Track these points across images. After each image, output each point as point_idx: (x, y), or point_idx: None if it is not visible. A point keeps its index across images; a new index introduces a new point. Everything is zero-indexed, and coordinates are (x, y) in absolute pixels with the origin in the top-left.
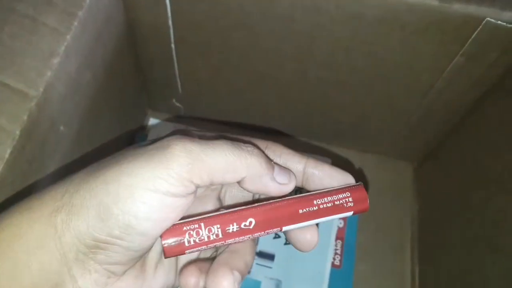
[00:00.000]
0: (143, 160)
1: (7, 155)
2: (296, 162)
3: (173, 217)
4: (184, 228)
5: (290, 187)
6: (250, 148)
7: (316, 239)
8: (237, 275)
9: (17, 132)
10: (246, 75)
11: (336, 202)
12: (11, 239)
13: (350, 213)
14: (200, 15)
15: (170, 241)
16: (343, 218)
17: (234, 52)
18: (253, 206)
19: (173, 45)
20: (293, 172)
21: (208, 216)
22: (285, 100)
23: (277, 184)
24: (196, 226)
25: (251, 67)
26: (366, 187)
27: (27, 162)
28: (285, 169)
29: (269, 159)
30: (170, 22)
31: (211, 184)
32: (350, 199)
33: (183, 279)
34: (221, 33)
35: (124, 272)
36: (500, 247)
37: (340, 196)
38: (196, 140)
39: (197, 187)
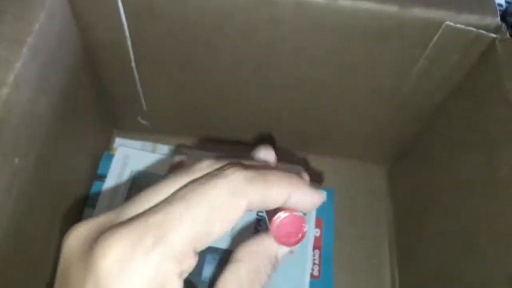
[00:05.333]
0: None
1: None
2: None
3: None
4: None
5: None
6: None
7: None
8: None
9: None
10: (209, 89)
11: None
12: None
13: None
14: (158, 32)
15: None
16: (320, 227)
17: (196, 68)
18: None
19: (133, 64)
20: None
21: None
22: (251, 112)
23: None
24: None
25: (214, 81)
26: (340, 192)
27: None
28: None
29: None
30: (128, 41)
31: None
32: None
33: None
34: (181, 49)
35: None
36: (475, 247)
37: None
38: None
39: None
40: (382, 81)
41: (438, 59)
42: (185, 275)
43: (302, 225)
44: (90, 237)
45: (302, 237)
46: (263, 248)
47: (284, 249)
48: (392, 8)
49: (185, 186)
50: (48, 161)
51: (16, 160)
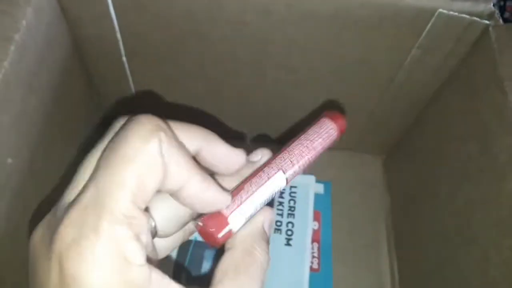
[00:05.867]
0: None
1: None
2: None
3: None
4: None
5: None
6: None
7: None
8: None
9: None
10: (202, 82)
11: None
12: None
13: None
14: (148, 25)
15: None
16: (318, 220)
17: (188, 61)
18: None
19: (124, 59)
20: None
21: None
22: (244, 104)
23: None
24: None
25: (207, 74)
26: (337, 184)
27: None
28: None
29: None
30: (118, 35)
31: None
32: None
33: None
34: (172, 42)
35: None
36: (471, 237)
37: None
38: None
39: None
40: (375, 71)
41: (432, 47)
42: (144, 237)
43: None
44: (47, 235)
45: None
46: (251, 229)
47: (266, 217)
48: None
49: (105, 148)
50: (42, 160)
51: (9, 161)
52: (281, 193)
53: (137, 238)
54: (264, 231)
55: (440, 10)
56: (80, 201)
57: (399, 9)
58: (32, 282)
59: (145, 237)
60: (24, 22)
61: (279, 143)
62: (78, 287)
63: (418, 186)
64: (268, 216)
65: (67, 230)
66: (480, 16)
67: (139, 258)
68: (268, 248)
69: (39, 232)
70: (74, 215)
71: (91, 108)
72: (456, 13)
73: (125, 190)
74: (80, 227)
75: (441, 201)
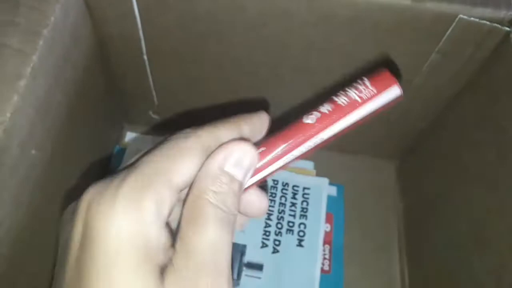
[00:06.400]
0: None
1: None
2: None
3: None
4: None
5: None
6: None
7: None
8: None
9: None
10: (220, 83)
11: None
12: None
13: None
14: (170, 25)
15: None
16: (330, 222)
17: (207, 61)
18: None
19: (145, 57)
20: None
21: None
22: (262, 105)
23: None
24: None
25: (225, 74)
26: (350, 187)
27: None
28: None
29: None
30: (140, 33)
31: None
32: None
33: None
34: (192, 42)
35: None
36: (486, 243)
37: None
38: None
39: None
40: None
41: (451, 53)
42: (165, 207)
43: None
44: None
45: None
46: (204, 170)
47: (227, 154)
48: (405, 1)
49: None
50: (63, 153)
51: (33, 152)
52: (294, 194)
53: (157, 202)
54: (222, 172)
55: (461, 15)
56: (120, 173)
57: (419, 13)
58: (59, 255)
59: (167, 208)
60: (52, 18)
61: None
62: (97, 236)
63: (432, 191)
64: (231, 153)
65: (92, 189)
66: (501, 22)
67: (156, 218)
68: (232, 192)
69: (68, 211)
70: (100, 182)
71: (111, 105)
72: (477, 19)
73: (157, 165)
74: (104, 187)
75: (456, 207)
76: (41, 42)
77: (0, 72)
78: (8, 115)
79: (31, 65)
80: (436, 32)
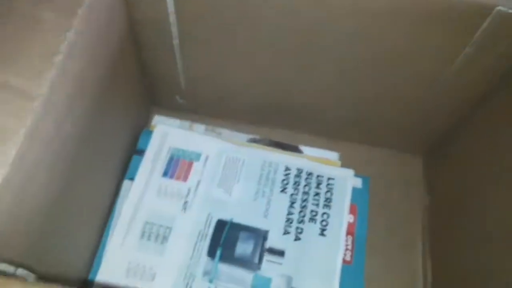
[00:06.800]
0: None
1: (12, 156)
2: None
3: None
4: None
5: None
6: None
7: None
8: None
9: (22, 133)
10: (249, 69)
11: None
12: None
13: None
14: (202, 10)
15: None
16: (354, 213)
17: (237, 47)
18: None
19: (176, 41)
20: None
21: None
22: (290, 94)
23: None
24: None
25: (254, 62)
26: (375, 180)
27: (33, 163)
28: None
29: None
30: (172, 18)
31: None
32: None
33: None
34: (223, 27)
35: None
36: None
37: None
38: None
39: None
40: (424, 67)
41: (485, 46)
42: None
43: None
44: None
45: None
46: None
47: None
48: None
49: None
50: (94, 131)
51: (68, 127)
52: (318, 184)
53: None
54: None
55: (499, 7)
56: None
57: (455, 5)
58: None
59: None
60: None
61: (324, 134)
62: None
63: (460, 188)
64: None
65: None
66: None
67: None
68: None
69: None
70: None
71: (140, 88)
72: None
73: None
74: None
75: (486, 205)
76: (77, 20)
77: (37, 47)
78: (46, 89)
79: (68, 41)
80: (472, 25)
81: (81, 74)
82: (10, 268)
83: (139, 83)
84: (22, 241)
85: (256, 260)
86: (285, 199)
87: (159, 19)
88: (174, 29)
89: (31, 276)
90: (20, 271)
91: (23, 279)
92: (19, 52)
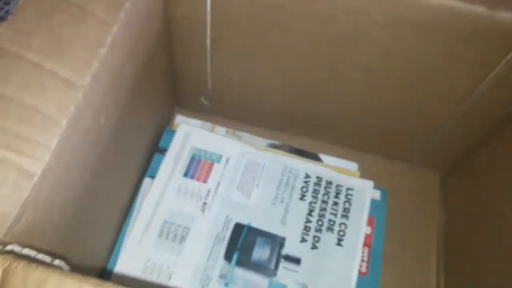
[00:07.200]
0: None
1: (54, 145)
2: None
3: None
4: None
5: None
6: None
7: None
8: None
9: (64, 122)
10: (277, 75)
11: None
12: None
13: None
14: (238, 13)
15: None
16: (371, 225)
17: (268, 53)
18: None
19: (208, 41)
20: None
21: None
22: (315, 102)
23: None
24: None
25: (284, 67)
26: (392, 193)
27: (71, 153)
28: None
29: None
30: (208, 18)
31: None
32: None
33: None
34: (257, 32)
35: None
36: None
37: None
38: None
39: None
40: (454, 83)
41: None
42: None
43: None
44: None
45: None
46: None
47: None
48: (481, 9)
49: None
50: (125, 126)
51: (102, 120)
52: (337, 193)
53: None
54: None
55: None
56: None
57: (493, 23)
58: None
59: None
60: None
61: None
62: None
63: (479, 205)
64: None
65: None
66: None
67: None
68: None
69: None
70: None
71: (168, 86)
72: None
73: None
74: None
75: (505, 222)
76: (122, 14)
77: (83, 37)
78: (88, 79)
79: (112, 35)
80: (507, 44)
81: (120, 67)
82: (47, 258)
83: (167, 81)
84: (55, 231)
85: (272, 266)
86: (303, 207)
87: (196, 18)
88: (208, 29)
89: (66, 267)
90: (58, 262)
91: (61, 270)
92: (65, 42)
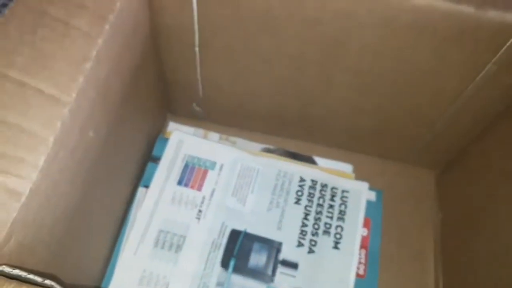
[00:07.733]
0: None
1: (41, 163)
2: None
3: None
4: None
5: None
6: None
7: None
8: None
9: (51, 139)
10: (268, 80)
11: None
12: None
13: None
14: (226, 19)
15: None
16: (367, 226)
17: (257, 57)
18: None
19: (197, 49)
20: None
21: None
22: (306, 105)
23: None
24: None
25: (274, 71)
26: (388, 194)
27: (59, 170)
28: None
29: None
30: (195, 26)
31: None
32: None
33: None
34: (245, 37)
35: None
36: None
37: None
38: None
39: None
40: (445, 83)
41: (508, 65)
42: None
43: None
44: None
45: None
46: None
47: None
48: (468, 9)
49: None
50: (115, 138)
51: (91, 133)
52: (332, 196)
53: None
54: None
55: None
56: None
57: (481, 23)
58: None
59: None
60: (118, 4)
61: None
62: None
63: (474, 203)
64: None
65: None
66: None
67: None
68: None
69: None
70: None
71: (158, 95)
72: None
73: None
74: None
75: (500, 221)
76: (107, 27)
77: (67, 52)
78: (74, 95)
79: (97, 48)
80: (496, 43)
81: (106, 80)
82: (38, 279)
83: (158, 90)
84: (46, 250)
85: (269, 272)
86: (299, 211)
87: (183, 26)
88: (196, 37)
89: (57, 287)
90: (48, 282)
91: None
92: (49, 58)
